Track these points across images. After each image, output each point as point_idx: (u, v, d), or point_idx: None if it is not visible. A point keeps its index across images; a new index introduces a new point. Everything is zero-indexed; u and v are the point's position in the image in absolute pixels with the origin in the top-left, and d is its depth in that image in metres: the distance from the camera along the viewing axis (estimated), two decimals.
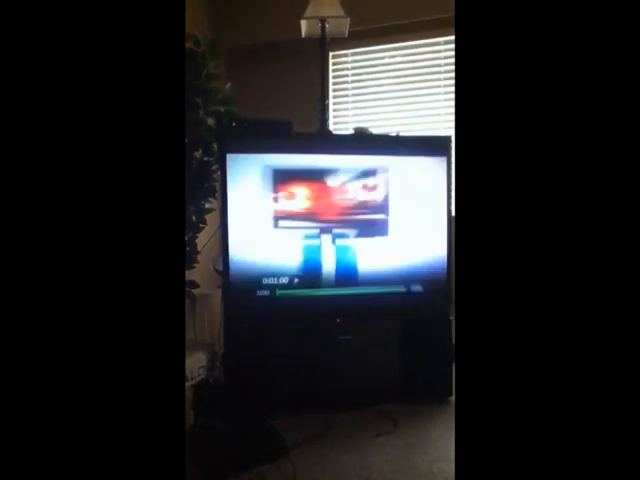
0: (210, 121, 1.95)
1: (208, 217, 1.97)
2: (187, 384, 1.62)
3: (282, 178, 1.75)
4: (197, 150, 1.92)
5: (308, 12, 2.19)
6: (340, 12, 2.19)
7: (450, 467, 1.40)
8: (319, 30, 2.23)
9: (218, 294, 1.97)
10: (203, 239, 2.00)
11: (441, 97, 2.64)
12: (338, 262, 1.80)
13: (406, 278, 1.85)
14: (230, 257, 1.72)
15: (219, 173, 1.82)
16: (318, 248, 1.79)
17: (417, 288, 1.86)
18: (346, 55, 2.79)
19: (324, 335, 1.79)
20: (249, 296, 1.75)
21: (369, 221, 1.82)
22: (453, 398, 1.87)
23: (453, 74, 2.60)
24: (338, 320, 1.80)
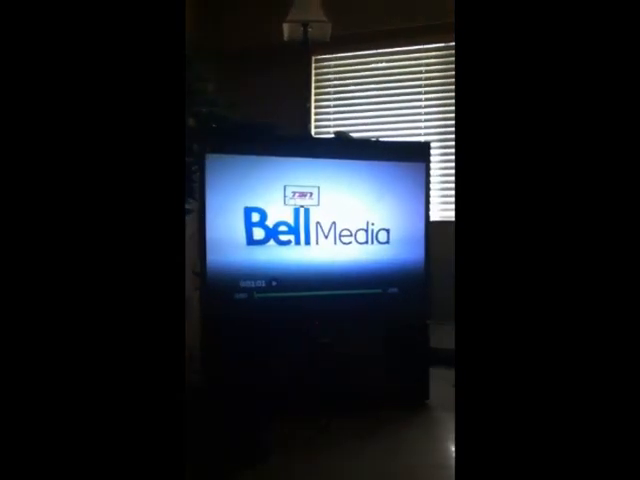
0: (191, 122, 1.94)
1: (187, 219, 1.95)
2: None
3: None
4: None
5: (290, 16, 2.21)
6: (322, 17, 2.21)
7: (431, 471, 1.42)
8: (302, 34, 2.25)
9: (196, 296, 1.95)
10: None
11: (421, 104, 2.68)
12: (316, 265, 1.81)
13: (383, 280, 1.86)
14: (207, 259, 1.71)
15: (198, 174, 1.81)
16: (296, 251, 1.79)
17: (394, 290, 1.87)
18: (329, 60, 2.82)
19: (304, 338, 1.79)
20: (227, 299, 1.74)
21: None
22: (429, 402, 1.89)
23: (433, 81, 2.64)
24: (317, 323, 1.80)
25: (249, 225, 1.74)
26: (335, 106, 2.83)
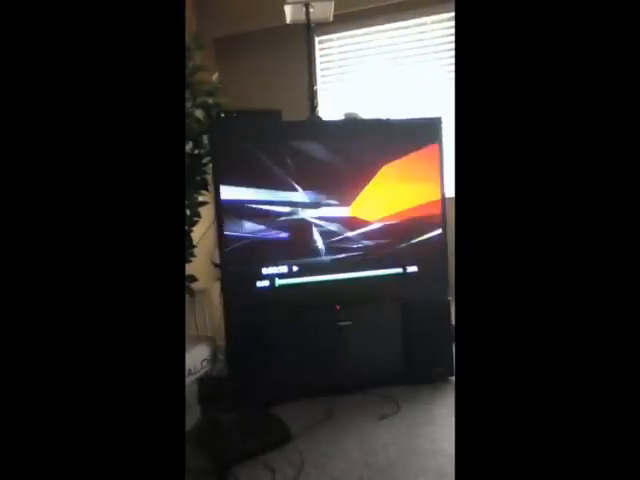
0: (199, 113, 1.93)
1: (203, 210, 1.96)
2: (191, 378, 1.63)
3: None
4: (187, 144, 1.90)
5: None
6: None
7: (453, 447, 1.41)
8: (304, 15, 2.21)
9: (217, 287, 1.97)
10: (199, 233, 2.00)
11: (429, 77, 2.62)
12: (334, 247, 1.81)
13: (402, 260, 1.85)
14: (226, 249, 1.72)
15: (210, 166, 1.81)
16: (315, 233, 1.79)
17: (413, 269, 1.87)
18: (333, 40, 2.76)
19: (325, 322, 1.80)
20: (249, 288, 1.75)
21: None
22: (453, 379, 1.89)
23: (440, 54, 2.58)
24: (337, 307, 1.81)
25: None
26: (342, 87, 2.79)
